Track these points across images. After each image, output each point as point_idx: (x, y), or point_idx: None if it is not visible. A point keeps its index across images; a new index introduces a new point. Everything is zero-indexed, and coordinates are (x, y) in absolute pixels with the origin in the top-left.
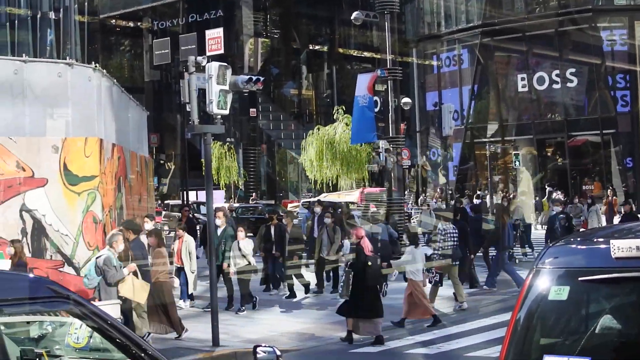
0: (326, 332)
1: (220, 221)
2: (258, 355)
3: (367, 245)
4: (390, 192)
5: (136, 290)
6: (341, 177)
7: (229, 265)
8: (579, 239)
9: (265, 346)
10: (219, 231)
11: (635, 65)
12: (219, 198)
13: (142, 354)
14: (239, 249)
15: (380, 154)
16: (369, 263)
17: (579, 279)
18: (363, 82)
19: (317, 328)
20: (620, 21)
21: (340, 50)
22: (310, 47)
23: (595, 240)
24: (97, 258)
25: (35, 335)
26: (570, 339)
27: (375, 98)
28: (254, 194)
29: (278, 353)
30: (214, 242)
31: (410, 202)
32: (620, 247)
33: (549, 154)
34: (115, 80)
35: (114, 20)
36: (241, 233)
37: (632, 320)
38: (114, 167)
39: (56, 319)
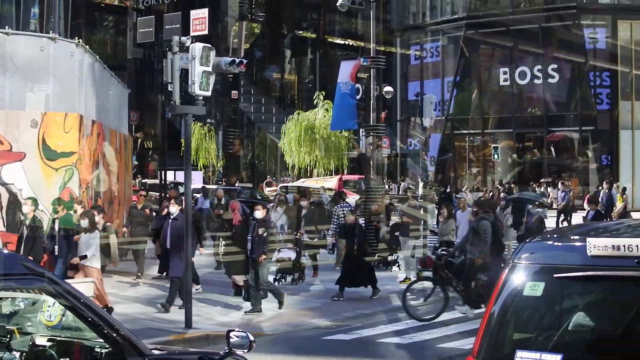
0: (300, 318)
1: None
2: (231, 340)
3: (236, 216)
4: (369, 179)
5: None
6: (320, 163)
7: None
8: (555, 235)
9: (238, 331)
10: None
11: (616, 64)
12: (197, 179)
13: (114, 334)
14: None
15: (360, 141)
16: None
17: (555, 275)
18: (346, 69)
19: (291, 314)
20: (603, 20)
21: (326, 36)
22: (295, 32)
23: (571, 237)
24: None
25: (6, 311)
26: (543, 334)
27: (358, 85)
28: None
29: (251, 338)
30: (190, 225)
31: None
32: (596, 246)
33: (527, 147)
34: (97, 57)
35: None
36: (84, 222)
37: (605, 318)
38: (93, 144)
39: (29, 296)
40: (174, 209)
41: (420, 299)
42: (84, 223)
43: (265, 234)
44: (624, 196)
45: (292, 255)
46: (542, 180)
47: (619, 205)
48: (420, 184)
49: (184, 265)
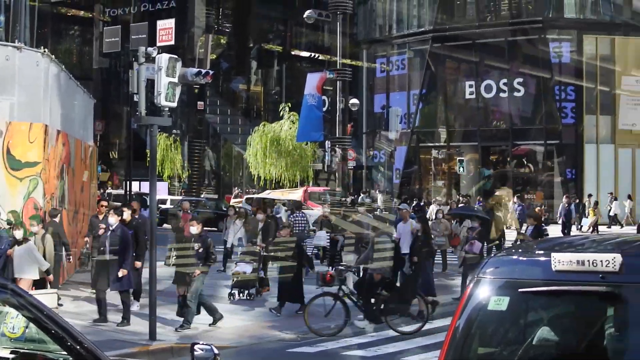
0: (263, 331)
1: None
2: (195, 353)
3: (186, 228)
4: (334, 191)
5: None
6: (285, 174)
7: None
8: (520, 250)
9: (202, 344)
10: None
11: (582, 78)
12: (162, 190)
13: (78, 346)
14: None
15: (326, 153)
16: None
17: (519, 290)
18: (312, 81)
19: (256, 326)
20: (569, 34)
21: (292, 49)
22: (262, 44)
23: (536, 252)
24: None
25: None
26: (507, 349)
27: (324, 97)
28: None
29: (215, 351)
30: (154, 236)
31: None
32: (561, 260)
33: (493, 161)
34: (63, 67)
35: (65, 5)
36: (18, 232)
37: (569, 332)
38: (58, 154)
39: None
40: (113, 219)
41: (321, 314)
42: (18, 234)
43: (200, 249)
44: (595, 210)
45: (248, 269)
46: (496, 193)
47: (591, 218)
48: (380, 196)
49: (127, 277)
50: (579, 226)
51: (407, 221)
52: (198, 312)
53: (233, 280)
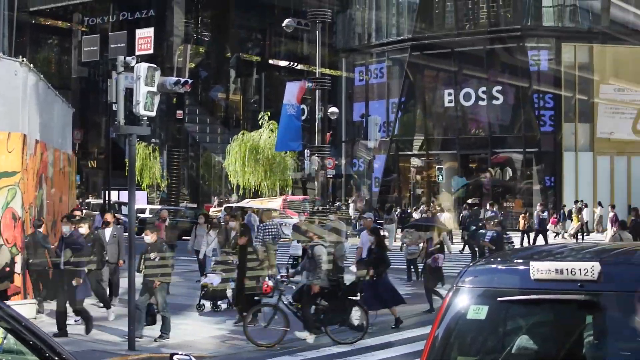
0: (242, 340)
1: None
2: None
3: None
4: (314, 200)
5: None
6: (264, 183)
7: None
8: (499, 259)
9: (181, 354)
10: None
11: (560, 86)
12: (141, 199)
13: (56, 357)
14: None
15: (305, 162)
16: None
17: (498, 299)
18: (292, 90)
19: (234, 335)
20: (548, 43)
21: (271, 58)
22: (241, 53)
23: (515, 261)
24: None
25: None
26: (487, 358)
27: (303, 106)
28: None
29: None
30: (134, 245)
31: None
32: (540, 269)
33: (471, 169)
34: (42, 76)
35: (43, 14)
36: None
37: (548, 340)
38: (37, 163)
39: None
40: (66, 228)
41: (261, 324)
42: None
43: (157, 258)
44: (579, 216)
45: (216, 280)
46: (469, 201)
47: (575, 224)
48: (352, 206)
49: (85, 287)
50: (563, 232)
51: None
52: (153, 322)
53: (202, 291)
